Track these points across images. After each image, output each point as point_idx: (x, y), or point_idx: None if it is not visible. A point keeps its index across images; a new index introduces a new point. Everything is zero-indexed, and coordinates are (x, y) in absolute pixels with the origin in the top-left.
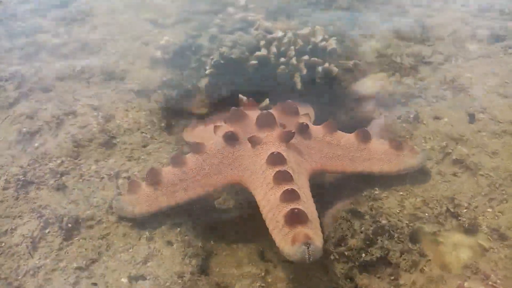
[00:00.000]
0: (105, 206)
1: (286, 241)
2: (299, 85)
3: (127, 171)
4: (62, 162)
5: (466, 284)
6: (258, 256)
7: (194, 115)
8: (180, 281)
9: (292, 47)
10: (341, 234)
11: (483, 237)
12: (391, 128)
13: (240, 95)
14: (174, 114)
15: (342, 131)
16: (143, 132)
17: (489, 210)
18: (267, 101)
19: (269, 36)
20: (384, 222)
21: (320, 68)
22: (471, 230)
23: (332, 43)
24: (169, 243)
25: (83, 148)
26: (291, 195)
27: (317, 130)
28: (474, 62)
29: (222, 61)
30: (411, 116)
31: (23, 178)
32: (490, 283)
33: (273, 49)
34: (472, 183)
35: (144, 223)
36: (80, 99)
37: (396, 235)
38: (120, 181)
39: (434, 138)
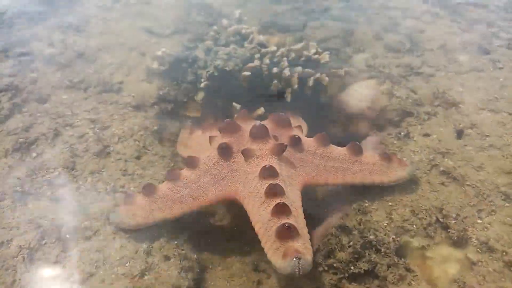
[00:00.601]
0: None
1: (277, 255)
2: (288, 99)
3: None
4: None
5: None
6: (252, 268)
7: (189, 117)
8: None
9: (285, 59)
10: (330, 248)
11: (472, 250)
12: (383, 142)
13: (234, 104)
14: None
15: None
16: (136, 140)
17: (478, 221)
18: (262, 109)
19: (263, 50)
20: (371, 237)
21: (311, 79)
22: (460, 242)
23: (326, 57)
24: (166, 257)
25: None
26: (282, 209)
27: (309, 142)
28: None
29: (216, 74)
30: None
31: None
32: None
33: (266, 61)
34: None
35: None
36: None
37: (383, 250)
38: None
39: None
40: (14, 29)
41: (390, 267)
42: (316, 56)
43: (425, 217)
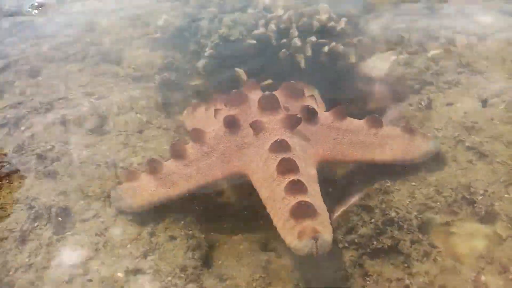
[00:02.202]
0: None
1: (292, 235)
2: (302, 64)
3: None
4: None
5: (482, 277)
6: (259, 247)
7: (191, 86)
8: (182, 274)
9: (294, 25)
10: (351, 225)
11: (501, 225)
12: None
13: (237, 69)
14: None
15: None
16: (137, 113)
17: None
18: (270, 81)
19: (269, 15)
20: (393, 214)
21: (326, 48)
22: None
23: (342, 23)
24: (172, 237)
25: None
26: (297, 186)
27: (325, 115)
28: None
29: (221, 43)
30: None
31: None
32: (510, 276)
33: (272, 27)
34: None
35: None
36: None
37: (405, 227)
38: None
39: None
40: None
41: (414, 244)
42: (332, 23)
43: (450, 194)
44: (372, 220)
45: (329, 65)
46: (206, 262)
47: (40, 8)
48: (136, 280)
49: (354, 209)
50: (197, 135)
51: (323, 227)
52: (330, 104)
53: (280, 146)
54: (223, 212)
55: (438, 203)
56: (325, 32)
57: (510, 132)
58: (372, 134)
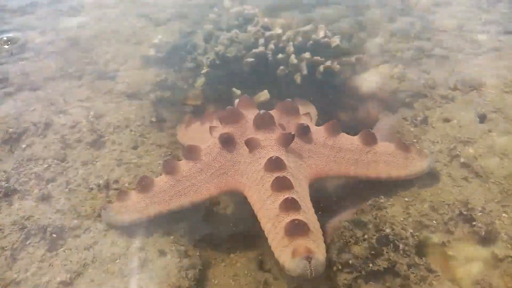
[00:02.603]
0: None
1: (286, 254)
2: (298, 80)
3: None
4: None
5: None
6: (256, 266)
7: (188, 105)
8: None
9: (291, 43)
10: (344, 242)
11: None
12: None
13: (234, 89)
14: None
15: (345, 132)
16: (132, 130)
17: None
18: (266, 93)
19: (267, 33)
20: (388, 231)
21: (322, 67)
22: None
23: (336, 40)
24: (162, 252)
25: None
26: (291, 204)
27: (318, 131)
28: None
29: (218, 61)
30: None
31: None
32: None
33: (271, 46)
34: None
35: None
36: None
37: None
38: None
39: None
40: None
41: (411, 268)
42: (326, 40)
43: (446, 212)
44: (366, 237)
45: (324, 81)
46: (201, 280)
47: (9, 44)
48: None
49: (347, 225)
50: (191, 152)
51: (316, 246)
52: (326, 117)
53: (275, 164)
54: (218, 226)
55: (434, 221)
56: (321, 48)
57: None
58: (366, 151)
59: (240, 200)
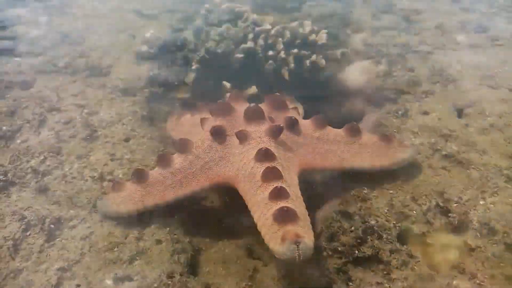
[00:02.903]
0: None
1: (275, 239)
2: (286, 76)
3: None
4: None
5: (454, 282)
6: (245, 253)
7: (179, 99)
8: (170, 282)
9: (280, 39)
10: (332, 231)
11: (472, 233)
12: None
13: (224, 82)
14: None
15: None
16: (124, 124)
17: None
18: (254, 88)
19: (257, 28)
20: (373, 222)
21: (308, 62)
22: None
23: (323, 36)
24: (159, 241)
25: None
26: (280, 193)
27: (306, 124)
28: None
29: (208, 56)
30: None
31: None
32: (477, 281)
33: (261, 42)
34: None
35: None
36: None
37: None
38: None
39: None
40: None
41: (393, 253)
42: (313, 36)
43: (424, 202)
44: (352, 228)
45: (311, 75)
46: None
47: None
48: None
49: (335, 216)
50: (183, 145)
51: (304, 232)
52: (312, 111)
53: (265, 155)
54: (208, 216)
55: (414, 212)
56: (308, 44)
57: None
58: (351, 143)
59: (229, 194)
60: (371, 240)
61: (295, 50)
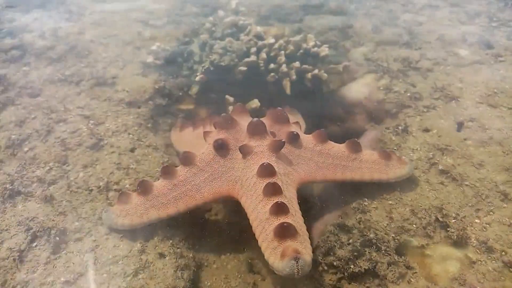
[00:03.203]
0: None
1: (275, 255)
2: (288, 90)
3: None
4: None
5: None
6: (246, 268)
7: (181, 110)
8: None
9: (282, 52)
10: (329, 245)
11: (472, 249)
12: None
13: (227, 96)
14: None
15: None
16: (130, 134)
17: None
18: (256, 102)
19: (260, 42)
20: (371, 236)
21: (309, 75)
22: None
23: (325, 50)
24: (162, 255)
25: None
26: (280, 209)
27: (307, 139)
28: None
29: (212, 68)
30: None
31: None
32: None
33: (263, 55)
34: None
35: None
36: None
37: (383, 248)
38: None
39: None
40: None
41: (390, 266)
42: (316, 49)
43: (424, 216)
44: (350, 241)
45: (313, 89)
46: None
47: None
48: None
49: (331, 229)
50: (187, 158)
51: (303, 247)
52: (313, 126)
53: (266, 170)
54: (211, 229)
55: (415, 225)
56: (311, 57)
57: None
58: (351, 159)
59: (231, 208)
60: (368, 253)
61: (297, 64)
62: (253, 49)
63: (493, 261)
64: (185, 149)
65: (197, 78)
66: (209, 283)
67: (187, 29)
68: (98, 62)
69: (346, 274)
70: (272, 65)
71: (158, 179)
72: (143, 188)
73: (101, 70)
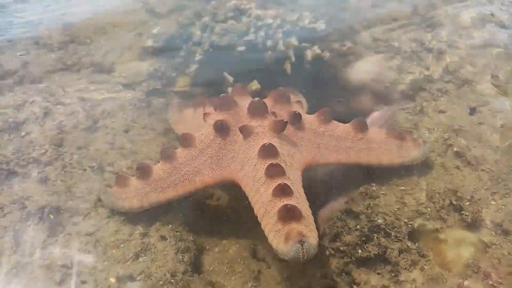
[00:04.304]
0: None
1: (279, 238)
2: (288, 70)
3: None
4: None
5: (466, 282)
6: (250, 254)
7: (175, 92)
8: (172, 280)
9: (280, 30)
10: (336, 231)
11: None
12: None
13: (225, 74)
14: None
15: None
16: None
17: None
18: (256, 83)
19: (259, 23)
20: (380, 221)
21: (308, 53)
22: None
23: (321, 25)
24: (163, 237)
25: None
26: (284, 190)
27: (310, 119)
28: None
29: (211, 50)
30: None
31: None
32: (490, 282)
33: (261, 33)
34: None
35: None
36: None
37: (393, 234)
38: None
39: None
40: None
41: (402, 252)
42: (312, 25)
43: (438, 200)
44: (358, 227)
45: (315, 70)
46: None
47: None
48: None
49: (338, 215)
50: (186, 139)
51: (308, 231)
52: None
53: (268, 151)
54: (212, 214)
55: (429, 209)
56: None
57: None
58: (358, 138)
59: (232, 193)
60: (377, 238)
61: (295, 42)
62: (252, 29)
63: (509, 243)
64: (184, 130)
65: (196, 57)
66: (211, 268)
67: (190, 13)
68: (98, 49)
69: (353, 258)
70: (269, 42)
71: (158, 163)
72: (142, 171)
73: (100, 57)
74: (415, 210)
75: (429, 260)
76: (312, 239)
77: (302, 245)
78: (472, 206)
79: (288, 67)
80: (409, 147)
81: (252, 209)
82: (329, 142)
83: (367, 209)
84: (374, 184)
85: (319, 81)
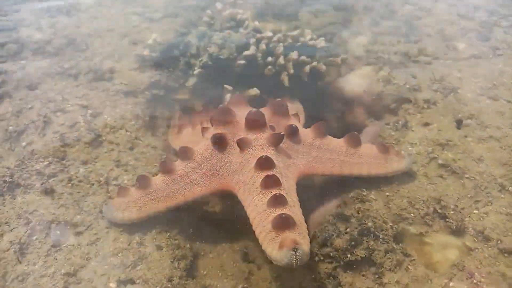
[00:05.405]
0: None
1: (273, 246)
2: (286, 83)
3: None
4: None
5: (451, 283)
6: (241, 257)
7: (177, 100)
8: (169, 284)
9: (281, 44)
10: (326, 235)
11: (469, 238)
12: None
13: (225, 85)
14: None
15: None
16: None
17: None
18: (256, 90)
19: (258, 35)
20: (370, 224)
21: (308, 67)
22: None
23: (322, 42)
24: (159, 247)
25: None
26: (278, 200)
27: (306, 133)
28: None
29: (210, 62)
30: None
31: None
32: (474, 281)
33: (262, 47)
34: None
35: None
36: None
37: (381, 236)
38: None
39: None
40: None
41: (388, 253)
42: (312, 42)
43: (422, 207)
44: (348, 230)
45: (311, 82)
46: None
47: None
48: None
49: (330, 219)
50: (185, 153)
51: (301, 238)
52: (312, 119)
53: (265, 163)
54: (207, 221)
55: (412, 214)
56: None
57: None
58: (350, 153)
59: (228, 201)
60: (366, 241)
61: (295, 56)
62: (253, 40)
63: (489, 248)
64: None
65: (195, 71)
66: (205, 272)
67: (184, 22)
68: (95, 55)
69: (342, 263)
70: (270, 58)
71: (157, 175)
72: (142, 183)
73: (98, 63)
74: (399, 214)
75: (414, 260)
76: (305, 246)
77: (295, 252)
78: (457, 215)
79: (286, 79)
80: (394, 159)
81: (245, 216)
82: (324, 155)
83: (358, 213)
84: (364, 189)
85: (315, 94)
